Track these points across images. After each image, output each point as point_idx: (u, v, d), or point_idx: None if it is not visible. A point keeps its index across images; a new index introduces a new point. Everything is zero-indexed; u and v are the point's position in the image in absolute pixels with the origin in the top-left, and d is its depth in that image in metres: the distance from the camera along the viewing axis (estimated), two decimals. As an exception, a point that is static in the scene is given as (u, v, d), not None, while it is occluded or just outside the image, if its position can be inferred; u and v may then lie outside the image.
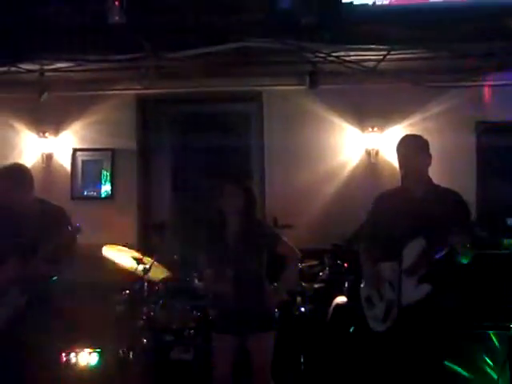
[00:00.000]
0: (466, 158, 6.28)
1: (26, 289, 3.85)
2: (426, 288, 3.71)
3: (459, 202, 3.84)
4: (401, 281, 3.73)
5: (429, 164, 3.91)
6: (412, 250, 3.74)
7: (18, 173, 4.06)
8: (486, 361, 4.63)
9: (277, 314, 5.01)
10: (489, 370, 4.61)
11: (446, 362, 4.14)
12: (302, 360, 5.10)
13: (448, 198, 3.84)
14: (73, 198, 6.81)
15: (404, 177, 3.92)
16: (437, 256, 3.66)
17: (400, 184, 3.98)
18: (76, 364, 5.11)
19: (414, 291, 3.71)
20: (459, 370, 4.60)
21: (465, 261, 3.64)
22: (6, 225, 3.96)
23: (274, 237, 4.21)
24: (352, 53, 5.38)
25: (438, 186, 3.94)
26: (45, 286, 3.95)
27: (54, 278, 4.03)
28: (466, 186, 6.10)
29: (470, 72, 5.87)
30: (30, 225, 3.89)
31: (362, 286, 4.08)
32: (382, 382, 3.98)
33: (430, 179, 3.93)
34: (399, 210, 3.83)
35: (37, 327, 3.86)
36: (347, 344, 5.09)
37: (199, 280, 4.89)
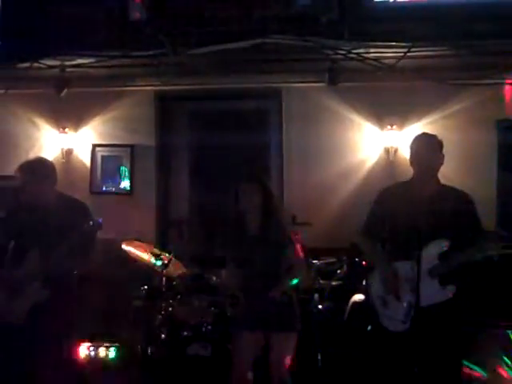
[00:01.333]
0: (486, 157, 6.21)
1: (47, 282, 3.88)
2: (450, 289, 3.69)
3: (468, 202, 3.84)
4: (419, 281, 3.68)
5: (441, 164, 3.90)
6: (433, 251, 3.72)
7: (42, 167, 4.10)
8: (504, 360, 4.60)
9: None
10: (507, 370, 4.59)
11: (465, 362, 4.13)
12: (319, 358, 5.09)
13: (457, 198, 3.83)
14: (92, 193, 6.85)
15: (415, 174, 3.92)
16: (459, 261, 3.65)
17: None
18: (94, 358, 5.15)
19: (438, 292, 3.70)
20: (477, 369, 4.58)
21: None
22: (28, 218, 4.00)
23: (288, 239, 4.20)
24: (372, 50, 5.35)
25: (445, 186, 3.93)
26: (66, 280, 3.98)
27: (75, 272, 4.07)
28: (487, 185, 6.09)
29: (492, 70, 5.82)
30: (53, 219, 3.93)
31: (372, 282, 4.06)
32: (399, 381, 3.96)
33: (438, 179, 3.92)
34: (411, 207, 3.80)
35: (58, 320, 3.89)
36: (364, 342, 5.07)
37: (217, 278, 4.92)
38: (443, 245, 3.71)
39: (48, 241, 3.85)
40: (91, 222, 3.89)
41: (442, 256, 3.71)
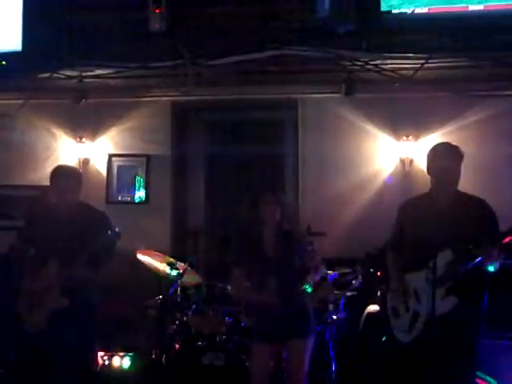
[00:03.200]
0: (504, 168, 6.17)
1: (66, 291, 3.90)
2: (452, 300, 3.67)
3: (486, 210, 3.81)
4: (434, 292, 3.68)
5: (460, 173, 3.88)
6: (440, 261, 3.69)
7: (75, 174, 4.12)
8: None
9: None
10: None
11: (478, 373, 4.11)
12: (333, 368, 5.07)
13: (474, 207, 3.81)
14: (108, 203, 6.88)
15: (434, 184, 3.90)
16: (463, 267, 3.62)
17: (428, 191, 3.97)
18: (110, 367, 5.16)
19: (441, 303, 3.67)
20: (490, 380, 4.55)
21: (491, 268, 3.58)
22: (48, 227, 4.02)
23: (305, 247, 4.25)
24: (389, 61, 5.34)
25: (464, 194, 3.91)
26: (85, 289, 3.99)
27: (93, 281, 4.08)
28: (503, 198, 6.03)
29: (509, 81, 5.80)
30: (72, 228, 3.95)
31: (388, 294, 4.06)
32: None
33: (457, 188, 3.90)
34: (425, 218, 3.81)
35: (76, 329, 3.90)
36: (379, 353, 5.05)
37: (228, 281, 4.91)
38: (450, 254, 3.69)
39: (67, 249, 3.87)
40: (110, 232, 3.90)
41: (448, 266, 3.69)
